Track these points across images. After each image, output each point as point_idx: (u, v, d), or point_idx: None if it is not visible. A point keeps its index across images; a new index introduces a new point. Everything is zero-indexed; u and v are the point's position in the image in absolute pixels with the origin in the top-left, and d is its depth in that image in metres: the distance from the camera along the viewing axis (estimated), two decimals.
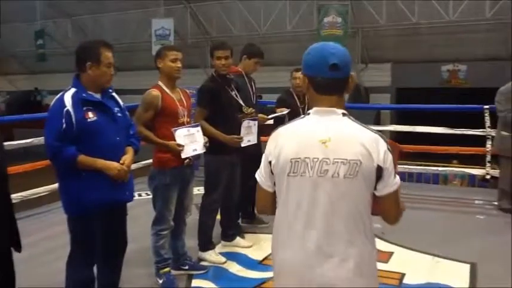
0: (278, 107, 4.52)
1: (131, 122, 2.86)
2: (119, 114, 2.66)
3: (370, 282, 1.64)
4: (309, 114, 1.67)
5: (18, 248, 2.31)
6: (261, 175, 1.74)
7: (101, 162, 2.50)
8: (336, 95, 1.64)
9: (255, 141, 3.89)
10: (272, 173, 1.68)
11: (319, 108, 1.64)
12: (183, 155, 3.20)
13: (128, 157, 2.65)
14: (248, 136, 3.81)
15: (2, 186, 2.10)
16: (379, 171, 1.57)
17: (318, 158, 1.57)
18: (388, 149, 1.59)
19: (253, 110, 3.98)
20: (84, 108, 2.48)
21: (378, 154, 1.56)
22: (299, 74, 4.64)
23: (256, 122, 3.93)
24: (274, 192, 1.71)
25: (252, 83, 4.20)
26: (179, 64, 3.23)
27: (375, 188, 1.61)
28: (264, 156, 1.73)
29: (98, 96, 2.58)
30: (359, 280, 1.58)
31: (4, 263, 2.20)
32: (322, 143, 1.58)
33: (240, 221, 4.44)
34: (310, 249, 1.58)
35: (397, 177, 1.62)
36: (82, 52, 2.57)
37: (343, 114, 1.63)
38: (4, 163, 2.13)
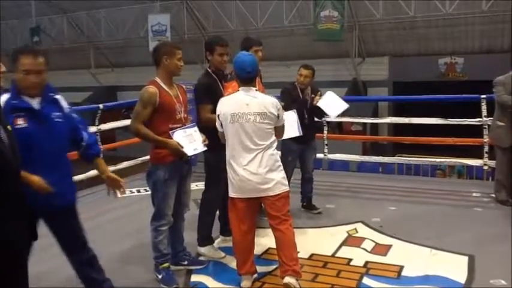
0: (283, 99, 4.49)
1: (77, 124, 2.71)
2: (59, 120, 2.54)
3: (274, 170, 3.08)
4: (239, 91, 3.14)
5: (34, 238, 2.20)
6: (218, 125, 3.17)
7: (23, 175, 2.16)
8: (250, 84, 3.13)
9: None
10: (221, 123, 3.14)
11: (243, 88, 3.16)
12: (186, 156, 3.20)
13: (106, 170, 2.69)
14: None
15: (17, 182, 2.02)
16: (276, 117, 3.11)
17: (244, 112, 3.04)
18: (279, 104, 3.16)
19: None
20: (14, 115, 2.38)
21: (275, 108, 3.10)
22: (305, 72, 4.64)
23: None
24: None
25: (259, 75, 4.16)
26: (182, 63, 3.26)
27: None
28: (217, 114, 3.15)
29: (33, 101, 2.47)
30: (270, 170, 3.06)
31: (23, 257, 2.11)
32: (246, 104, 3.05)
33: None
34: (244, 149, 3.07)
35: (283, 118, 3.23)
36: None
37: (245, 91, 3.10)
38: (18, 160, 2.03)
